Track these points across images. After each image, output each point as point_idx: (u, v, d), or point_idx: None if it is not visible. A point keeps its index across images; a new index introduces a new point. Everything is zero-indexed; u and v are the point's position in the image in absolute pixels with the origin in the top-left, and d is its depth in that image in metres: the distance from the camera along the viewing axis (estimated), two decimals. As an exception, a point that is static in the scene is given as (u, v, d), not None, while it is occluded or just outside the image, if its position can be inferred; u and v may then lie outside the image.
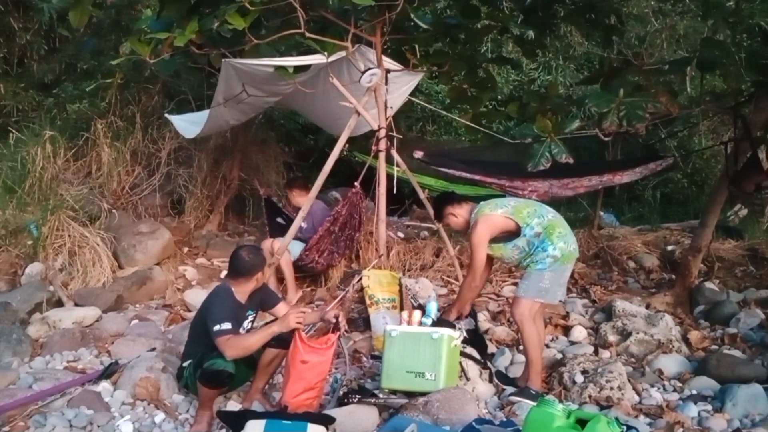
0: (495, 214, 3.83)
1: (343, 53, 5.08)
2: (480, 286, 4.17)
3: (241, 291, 3.56)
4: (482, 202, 3.97)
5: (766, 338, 4.63)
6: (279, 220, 6.40)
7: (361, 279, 4.94)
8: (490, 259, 4.00)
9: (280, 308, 3.78)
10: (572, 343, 4.70)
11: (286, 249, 5.32)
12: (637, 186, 9.59)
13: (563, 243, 3.74)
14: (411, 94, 6.86)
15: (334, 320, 3.60)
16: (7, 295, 5.12)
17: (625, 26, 7.11)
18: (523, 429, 2.77)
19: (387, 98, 5.34)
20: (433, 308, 3.91)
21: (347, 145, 6.60)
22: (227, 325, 3.32)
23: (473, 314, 4.38)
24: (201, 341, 3.49)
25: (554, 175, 5.92)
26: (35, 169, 6.39)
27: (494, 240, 3.84)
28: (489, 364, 4.06)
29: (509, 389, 3.83)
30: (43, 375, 3.93)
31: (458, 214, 3.98)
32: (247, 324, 3.66)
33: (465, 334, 3.91)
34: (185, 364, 3.64)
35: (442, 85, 8.86)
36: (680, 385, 4.02)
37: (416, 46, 6.10)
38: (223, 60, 4.94)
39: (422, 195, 5.86)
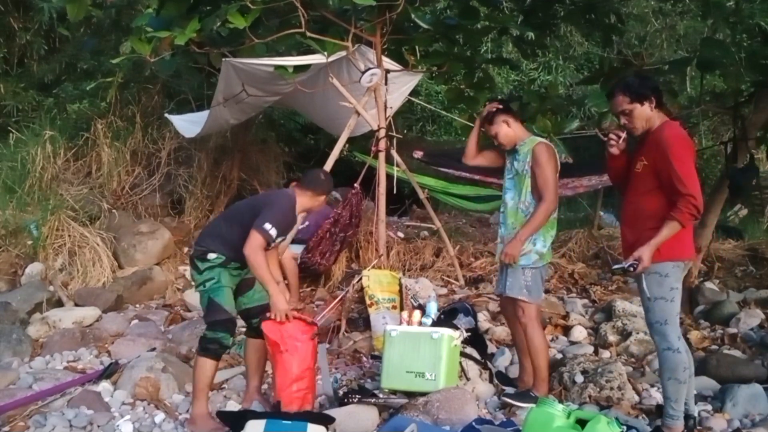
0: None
1: (343, 53, 5.09)
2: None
3: (301, 205, 3.59)
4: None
5: (766, 338, 4.62)
6: None
7: (361, 279, 4.94)
8: None
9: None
10: (572, 343, 4.69)
11: (287, 248, 5.30)
12: (637, 186, 9.55)
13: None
14: (410, 94, 6.86)
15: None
16: (7, 295, 5.12)
17: (625, 26, 7.11)
18: (523, 429, 2.77)
19: (387, 98, 5.35)
20: (433, 308, 3.90)
21: (347, 145, 6.60)
22: (274, 232, 3.33)
23: (473, 314, 4.38)
24: (235, 232, 3.40)
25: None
26: (35, 169, 6.40)
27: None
28: (489, 364, 4.06)
29: (509, 389, 3.83)
30: (43, 375, 3.93)
31: (512, 125, 3.69)
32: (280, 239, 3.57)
33: (465, 333, 3.90)
34: (211, 256, 3.42)
35: (442, 85, 8.86)
36: (680, 385, 4.02)
37: (416, 46, 6.10)
38: (223, 59, 4.94)
39: (422, 195, 5.86)
